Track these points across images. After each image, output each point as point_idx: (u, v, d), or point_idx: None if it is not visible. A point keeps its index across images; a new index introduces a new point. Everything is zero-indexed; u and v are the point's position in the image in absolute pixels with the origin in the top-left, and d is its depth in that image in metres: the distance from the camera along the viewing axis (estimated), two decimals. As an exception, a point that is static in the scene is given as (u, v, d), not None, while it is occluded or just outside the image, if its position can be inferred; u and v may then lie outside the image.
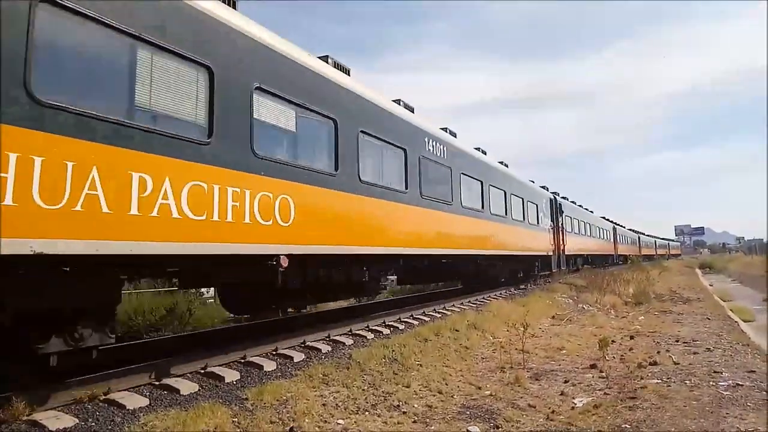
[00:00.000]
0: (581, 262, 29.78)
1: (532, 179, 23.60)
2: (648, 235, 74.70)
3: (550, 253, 21.75)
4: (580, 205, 33.21)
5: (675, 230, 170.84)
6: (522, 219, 17.98)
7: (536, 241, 19.94)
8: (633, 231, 60.87)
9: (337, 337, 7.93)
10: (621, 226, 51.07)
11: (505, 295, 15.75)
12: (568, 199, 29.35)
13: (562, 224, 24.03)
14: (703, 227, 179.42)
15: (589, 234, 32.57)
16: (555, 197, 24.06)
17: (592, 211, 37.25)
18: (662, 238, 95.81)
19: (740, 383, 6.35)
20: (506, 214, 15.98)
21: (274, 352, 6.79)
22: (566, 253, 24.57)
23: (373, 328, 8.96)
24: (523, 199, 18.28)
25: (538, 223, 20.27)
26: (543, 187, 23.46)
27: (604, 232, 39.54)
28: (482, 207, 13.92)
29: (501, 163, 17.59)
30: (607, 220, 43.49)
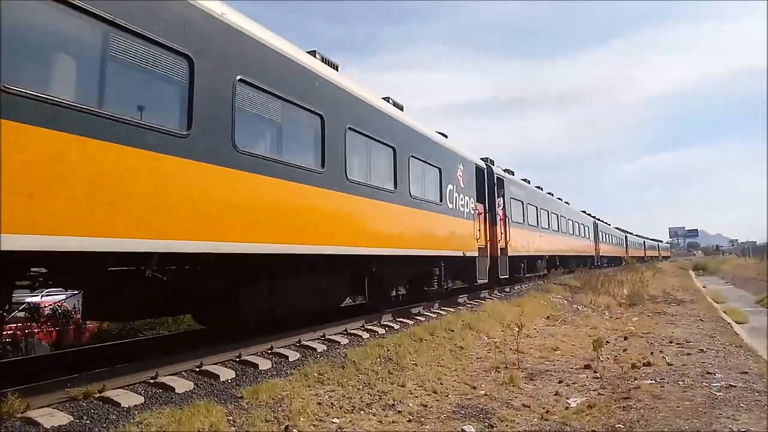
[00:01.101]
0: (544, 266, 22.60)
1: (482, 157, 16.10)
2: (637, 235, 67.46)
3: (474, 254, 13.38)
4: (550, 194, 26.07)
5: (669, 232, 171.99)
6: (392, 187, 9.60)
7: (440, 233, 11.76)
8: (620, 229, 53.83)
9: (332, 337, 7.93)
10: (605, 222, 43.48)
11: (500, 296, 15.78)
12: (531, 183, 21.93)
13: (504, 210, 16.42)
14: (696, 229, 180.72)
15: (557, 229, 24.87)
16: (489, 167, 15.69)
17: (567, 203, 29.96)
18: (652, 239, 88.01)
19: (733, 384, 6.40)
20: (346, 172, 8.14)
21: (269, 351, 6.78)
22: (511, 253, 16.57)
23: (369, 327, 8.96)
24: (394, 150, 9.71)
25: (441, 200, 11.82)
26: (487, 161, 16.20)
27: (582, 228, 31.91)
28: (279, 151, 7.14)
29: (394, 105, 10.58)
30: (588, 214, 36.71)
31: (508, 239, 16.31)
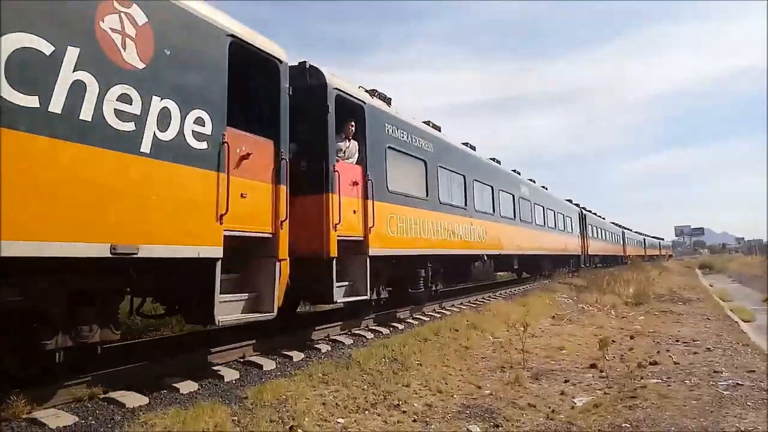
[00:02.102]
0: (490, 270, 15.81)
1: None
2: (636, 232, 61.42)
3: (204, 251, 5.20)
4: (516, 172, 18.64)
5: (675, 231, 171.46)
6: None
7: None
8: (616, 225, 46.80)
9: (336, 337, 7.93)
10: (596, 214, 35.93)
11: (505, 296, 15.73)
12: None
13: (364, 166, 8.75)
14: (702, 228, 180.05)
15: (513, 216, 16.82)
16: (310, 70, 8.12)
17: (545, 188, 22.98)
18: (652, 236, 79.60)
19: (740, 383, 6.35)
20: None
21: (273, 352, 6.78)
22: (381, 250, 8.86)
23: (373, 327, 8.95)
24: None
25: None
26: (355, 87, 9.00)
27: (561, 219, 24.25)
28: None
29: None
30: (576, 205, 29.73)
31: (371, 222, 8.53)
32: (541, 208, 20.80)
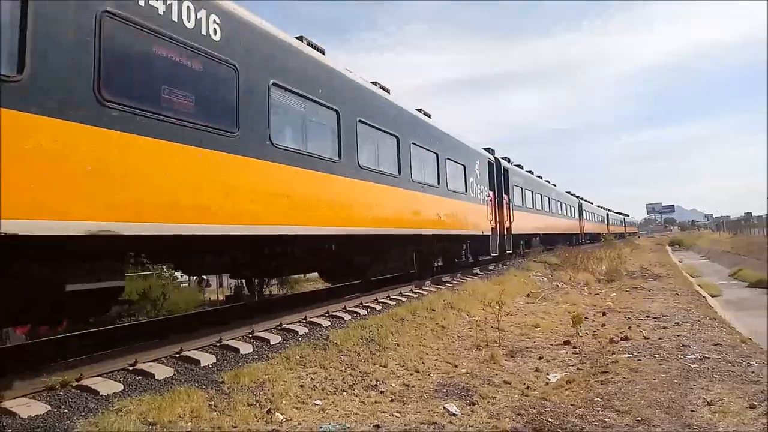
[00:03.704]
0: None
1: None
2: (598, 206, 50.30)
3: None
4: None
5: (646, 208, 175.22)
6: None
7: None
8: (572, 195, 36.27)
9: (314, 319, 7.90)
10: (524, 170, 23.48)
11: (482, 276, 15.89)
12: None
13: None
14: (673, 205, 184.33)
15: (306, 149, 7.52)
16: None
17: (428, 115, 12.91)
18: (616, 212, 66.15)
19: (707, 356, 6.57)
20: None
21: (250, 335, 6.74)
22: None
23: (351, 309, 8.95)
24: None
25: None
26: None
27: (429, 160, 12.32)
28: None
29: None
30: (501, 157, 19.14)
31: None
32: (383, 136, 10.25)
